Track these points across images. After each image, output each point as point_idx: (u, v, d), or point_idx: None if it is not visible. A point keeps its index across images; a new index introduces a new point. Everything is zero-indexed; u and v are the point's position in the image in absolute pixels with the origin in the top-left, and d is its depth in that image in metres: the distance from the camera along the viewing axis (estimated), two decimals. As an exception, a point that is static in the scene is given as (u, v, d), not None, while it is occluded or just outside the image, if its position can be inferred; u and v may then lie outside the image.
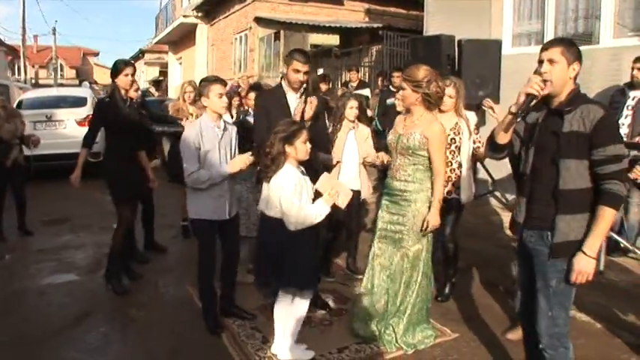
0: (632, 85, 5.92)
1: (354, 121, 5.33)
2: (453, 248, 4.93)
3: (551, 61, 2.79)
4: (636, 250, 5.40)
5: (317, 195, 3.64)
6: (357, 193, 5.15)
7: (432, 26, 9.12)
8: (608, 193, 2.72)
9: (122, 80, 5.10)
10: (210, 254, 4.26)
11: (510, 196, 7.33)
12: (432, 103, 3.91)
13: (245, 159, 4.12)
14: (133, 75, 5.18)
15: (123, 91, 5.13)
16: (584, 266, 2.75)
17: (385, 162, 4.39)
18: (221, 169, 4.11)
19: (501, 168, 7.45)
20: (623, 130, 5.71)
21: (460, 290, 5.08)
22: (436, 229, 4.04)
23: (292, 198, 3.48)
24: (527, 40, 8.15)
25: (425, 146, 3.86)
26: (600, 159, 2.71)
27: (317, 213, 3.54)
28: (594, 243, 2.74)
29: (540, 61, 2.84)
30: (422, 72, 3.84)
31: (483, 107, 5.20)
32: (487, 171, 7.47)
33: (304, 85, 4.46)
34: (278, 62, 17.13)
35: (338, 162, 5.13)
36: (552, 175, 2.80)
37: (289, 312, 3.73)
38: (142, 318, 4.62)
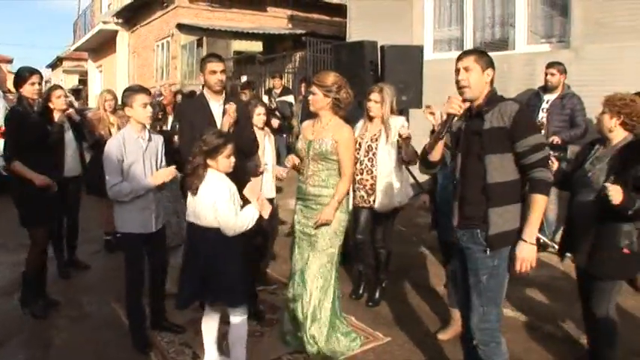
0: (545, 88, 6.18)
1: (263, 128, 5.27)
2: (386, 254, 4.97)
3: (466, 69, 3.04)
4: (555, 245, 5.61)
5: (245, 202, 3.60)
6: (270, 201, 5.13)
7: (355, 32, 9.23)
8: (537, 180, 2.89)
9: (28, 90, 4.74)
10: (138, 269, 4.12)
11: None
12: (341, 108, 3.96)
13: (168, 171, 4.02)
14: (40, 84, 4.85)
15: (30, 101, 4.77)
16: (526, 253, 2.90)
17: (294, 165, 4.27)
18: (144, 181, 3.98)
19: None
20: (540, 132, 5.95)
21: (389, 293, 5.11)
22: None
23: (229, 204, 3.42)
24: (447, 46, 8.38)
25: (336, 151, 3.88)
26: (523, 150, 2.90)
27: (250, 218, 3.50)
28: (532, 230, 2.91)
29: (457, 70, 3.07)
30: (332, 78, 3.90)
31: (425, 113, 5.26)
32: (411, 174, 7.61)
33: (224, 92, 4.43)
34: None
35: (264, 168, 5.07)
36: (480, 172, 2.97)
37: (233, 336, 3.60)
38: (63, 342, 4.36)
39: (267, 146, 5.29)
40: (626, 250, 3.43)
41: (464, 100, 3.05)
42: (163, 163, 4.21)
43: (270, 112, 5.51)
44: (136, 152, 3.99)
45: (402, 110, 7.32)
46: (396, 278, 5.52)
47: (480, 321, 3.02)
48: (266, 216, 3.65)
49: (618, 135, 3.52)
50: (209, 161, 3.47)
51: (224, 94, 4.45)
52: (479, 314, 3.02)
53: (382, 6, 8.75)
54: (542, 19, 7.42)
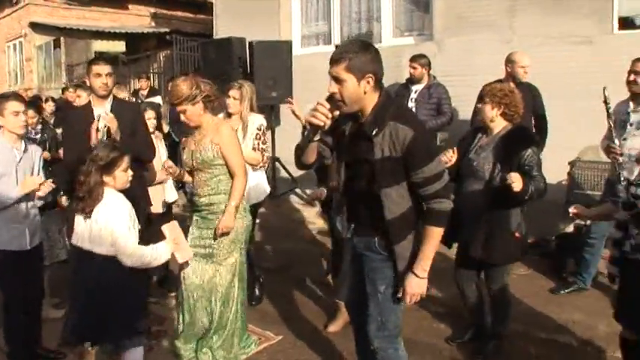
0: (412, 80, 6.36)
1: (153, 132, 4.95)
2: (253, 251, 4.89)
3: (337, 80, 2.55)
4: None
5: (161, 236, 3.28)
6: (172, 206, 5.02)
7: (222, 29, 9.01)
8: (434, 212, 2.65)
9: None
10: (13, 290, 3.70)
11: (309, 191, 7.50)
12: (212, 100, 3.67)
13: (36, 180, 3.60)
14: None
15: None
16: (415, 287, 2.71)
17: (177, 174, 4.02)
18: (11, 192, 3.58)
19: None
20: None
21: (274, 291, 5.02)
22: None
23: (127, 231, 3.07)
24: (315, 41, 8.41)
25: (219, 154, 3.63)
26: (420, 181, 2.61)
27: (159, 256, 3.19)
28: (425, 264, 2.69)
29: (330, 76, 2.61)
30: (184, 85, 3.54)
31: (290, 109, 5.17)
32: (286, 169, 7.57)
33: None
34: (60, 72, 15.84)
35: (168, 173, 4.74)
36: (374, 203, 2.67)
37: None
38: None
39: (161, 151, 4.97)
40: (517, 235, 3.64)
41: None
42: (40, 175, 3.81)
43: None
44: (7, 164, 3.61)
45: (272, 106, 7.27)
46: (280, 275, 5.45)
47: (377, 329, 2.84)
48: (180, 260, 3.41)
49: (499, 124, 3.69)
50: (105, 177, 3.11)
51: (111, 100, 4.13)
52: (377, 323, 2.84)
53: (249, 2, 8.61)
54: (407, 13, 7.66)
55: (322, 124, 2.56)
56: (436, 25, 7.02)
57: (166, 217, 4.66)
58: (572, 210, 3.34)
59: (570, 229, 5.95)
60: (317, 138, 2.70)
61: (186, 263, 3.63)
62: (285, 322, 4.50)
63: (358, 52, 2.54)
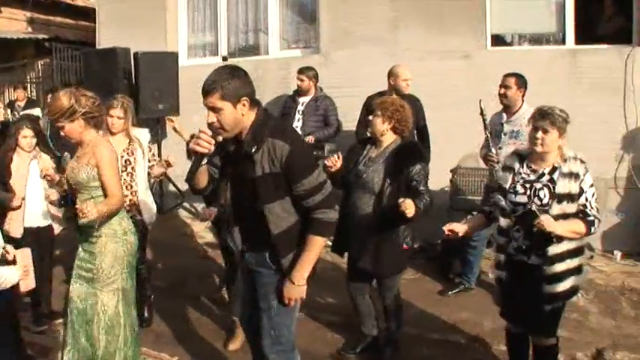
0: (299, 92, 6.45)
1: (30, 152, 4.60)
2: (146, 270, 4.71)
3: (214, 109, 2.60)
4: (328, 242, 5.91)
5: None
6: (47, 230, 4.61)
7: (106, 38, 8.65)
8: (317, 221, 2.72)
9: None
10: None
11: (199, 205, 7.38)
12: (96, 116, 3.41)
13: None
14: None
15: None
16: (293, 294, 2.78)
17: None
18: None
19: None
20: (298, 133, 6.19)
21: (167, 310, 4.87)
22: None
23: None
24: (202, 52, 8.29)
25: (94, 177, 3.36)
26: (302, 193, 2.69)
27: (4, 280, 2.96)
28: (303, 272, 2.75)
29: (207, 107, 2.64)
30: (65, 98, 3.29)
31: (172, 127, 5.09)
32: (173, 183, 7.41)
33: None
34: None
35: (22, 199, 4.41)
36: (260, 219, 2.73)
37: None
38: None
39: (32, 170, 4.50)
40: (405, 247, 3.80)
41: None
42: None
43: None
44: None
45: (158, 119, 7.10)
46: (172, 293, 5.28)
47: (272, 344, 2.87)
48: (22, 289, 3.18)
49: (389, 138, 3.82)
50: None
51: None
52: (271, 337, 2.87)
53: (134, 11, 8.33)
54: (294, 25, 7.75)
55: (207, 150, 2.62)
56: (323, 37, 7.16)
57: (25, 242, 4.17)
58: (446, 229, 3.44)
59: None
60: (204, 162, 2.74)
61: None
62: (180, 343, 4.38)
63: (229, 78, 2.60)
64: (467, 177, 6.16)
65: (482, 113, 4.76)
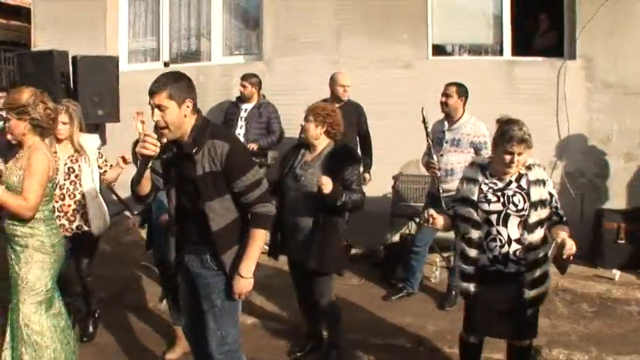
0: (242, 99, 6.43)
1: None
2: (92, 282, 4.55)
3: (160, 108, 2.75)
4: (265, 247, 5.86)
5: None
6: None
7: (42, 40, 8.34)
8: (257, 215, 2.89)
9: None
10: None
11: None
12: (45, 127, 3.33)
13: None
14: None
15: None
16: (242, 286, 2.90)
17: None
18: None
19: (128, 187, 7.32)
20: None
21: (109, 322, 4.72)
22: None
23: None
24: (143, 57, 8.13)
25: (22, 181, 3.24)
26: (241, 190, 2.85)
27: None
28: (249, 265, 2.89)
29: (152, 107, 2.78)
30: (25, 94, 3.25)
31: (135, 120, 4.92)
32: (113, 191, 7.21)
33: None
34: None
35: None
36: (200, 218, 2.85)
37: None
38: None
39: None
40: (345, 242, 3.88)
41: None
42: None
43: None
44: None
45: (97, 125, 6.90)
46: (112, 304, 5.10)
47: (218, 344, 2.95)
48: None
49: (323, 142, 3.90)
50: None
51: None
52: (217, 338, 2.94)
53: (72, 13, 8.05)
54: (237, 32, 7.71)
55: (153, 153, 2.72)
56: (266, 44, 7.15)
57: None
58: (428, 215, 3.36)
59: (396, 238, 6.40)
60: (149, 166, 2.84)
61: None
62: (123, 354, 4.28)
63: (176, 80, 2.79)
64: (409, 184, 6.29)
65: (424, 121, 4.85)
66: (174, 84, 2.77)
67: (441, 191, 4.76)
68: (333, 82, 5.82)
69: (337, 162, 3.82)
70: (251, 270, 2.90)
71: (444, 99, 5.06)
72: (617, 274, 5.76)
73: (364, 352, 4.26)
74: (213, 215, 2.84)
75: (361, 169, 4.53)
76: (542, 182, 3.25)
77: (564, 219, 3.26)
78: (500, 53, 6.63)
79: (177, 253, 3.09)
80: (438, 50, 6.83)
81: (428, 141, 4.93)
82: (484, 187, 3.32)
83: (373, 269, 5.96)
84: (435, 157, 4.90)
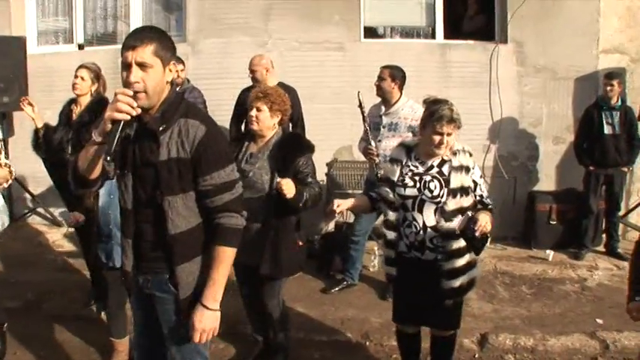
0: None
1: None
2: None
3: (141, 66, 2.12)
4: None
5: None
6: None
7: None
8: (223, 228, 2.26)
9: None
10: None
11: (57, 210, 6.71)
12: None
13: None
14: None
15: None
16: (206, 322, 2.26)
17: None
18: None
19: (40, 181, 6.78)
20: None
21: (25, 334, 4.18)
22: None
23: None
24: (54, 38, 7.48)
25: None
26: (208, 189, 2.24)
27: None
28: (215, 292, 2.25)
29: (127, 65, 2.13)
30: None
31: (22, 106, 4.41)
32: (24, 187, 6.65)
33: None
34: None
35: None
36: (158, 215, 2.25)
37: None
38: None
39: None
40: (300, 243, 3.55)
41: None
42: None
43: None
44: None
45: (4, 113, 6.31)
46: (29, 312, 4.59)
47: None
48: None
49: (272, 131, 3.49)
50: None
51: None
52: None
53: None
54: (158, 12, 7.21)
55: (128, 117, 2.04)
56: (189, 25, 6.72)
57: None
58: (331, 208, 3.22)
59: (331, 227, 6.21)
60: (121, 134, 2.08)
61: None
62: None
63: (163, 35, 2.22)
64: (344, 170, 6.11)
65: (360, 105, 4.65)
66: (163, 38, 2.19)
67: (380, 178, 4.57)
68: (250, 64, 5.50)
69: (287, 152, 3.41)
70: (217, 299, 2.27)
71: (377, 82, 4.88)
72: (550, 254, 5.88)
73: (308, 351, 4.04)
74: (174, 215, 2.23)
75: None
76: (466, 169, 3.10)
77: (490, 207, 3.13)
78: (433, 36, 6.55)
79: (136, 263, 2.41)
80: (370, 32, 6.66)
81: (365, 126, 4.73)
82: (405, 170, 3.20)
83: (309, 260, 5.66)
84: (372, 142, 4.71)
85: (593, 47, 6.28)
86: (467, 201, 3.08)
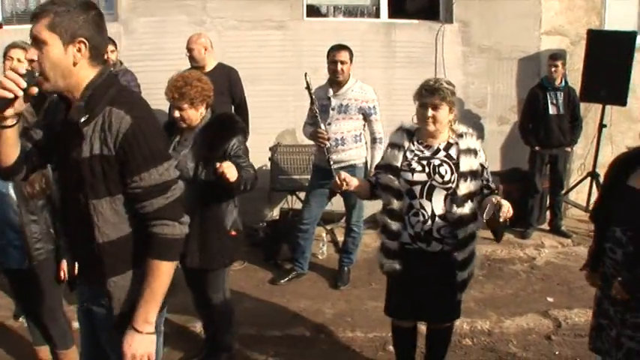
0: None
1: None
2: None
3: (37, 42, 1.82)
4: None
5: None
6: None
7: None
8: (156, 239, 1.92)
9: None
10: None
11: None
12: None
13: None
14: None
15: None
16: (137, 347, 1.93)
17: None
18: None
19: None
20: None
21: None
22: None
23: None
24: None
25: None
26: (138, 193, 1.90)
27: None
28: (147, 313, 1.93)
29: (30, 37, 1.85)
30: None
31: None
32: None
33: None
34: None
35: None
36: (86, 219, 1.92)
37: None
38: None
39: None
40: (233, 232, 3.29)
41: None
42: None
43: None
44: None
45: None
46: None
47: None
48: None
49: (200, 117, 3.21)
50: None
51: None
52: None
53: None
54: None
55: (11, 95, 1.73)
56: (121, 3, 6.27)
57: None
58: (336, 181, 3.03)
59: (276, 214, 6.00)
60: (10, 123, 1.81)
61: None
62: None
63: (70, 9, 1.83)
64: (288, 155, 5.90)
65: (308, 87, 4.43)
66: (67, 12, 1.81)
67: (332, 163, 4.38)
68: (187, 44, 5.18)
69: (214, 136, 3.16)
70: (151, 321, 1.94)
71: (339, 66, 4.60)
72: (498, 234, 5.86)
73: (261, 348, 3.81)
74: (100, 221, 1.91)
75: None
76: (474, 152, 2.96)
77: (496, 191, 3.02)
78: (377, 15, 6.37)
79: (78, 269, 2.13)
80: (313, 11, 6.41)
81: (314, 109, 4.52)
82: (409, 155, 3.00)
83: (255, 250, 5.46)
84: (322, 125, 4.50)
85: (535, 29, 6.28)
86: (475, 185, 2.94)
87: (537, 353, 3.94)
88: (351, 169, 4.46)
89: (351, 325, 4.04)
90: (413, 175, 2.95)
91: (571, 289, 4.78)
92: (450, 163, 2.93)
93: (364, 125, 4.72)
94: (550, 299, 4.64)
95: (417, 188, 2.95)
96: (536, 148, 5.85)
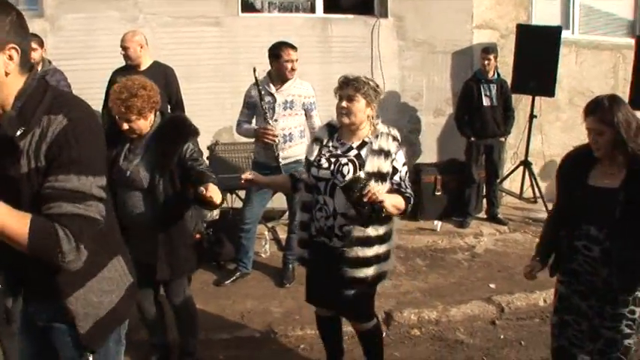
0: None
1: None
2: None
3: None
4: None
5: None
6: None
7: None
8: (49, 224, 1.64)
9: None
10: None
11: None
12: None
13: None
14: None
15: None
16: None
17: None
18: None
19: None
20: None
21: None
22: None
23: None
24: None
25: None
26: (46, 193, 1.65)
27: None
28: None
29: None
30: None
31: None
32: None
33: None
34: None
35: None
36: None
37: None
38: None
39: None
40: (197, 236, 3.25)
41: None
42: None
43: None
44: None
45: None
46: None
47: None
48: None
49: (149, 124, 3.07)
50: None
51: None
52: None
53: None
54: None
55: None
56: (47, -2, 6.00)
57: None
58: (245, 176, 3.16)
59: (216, 214, 5.87)
60: None
61: None
62: None
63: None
64: (228, 153, 5.79)
65: (256, 83, 4.36)
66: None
67: (280, 160, 4.34)
68: (122, 41, 4.98)
69: (165, 142, 3.01)
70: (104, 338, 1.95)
71: (291, 65, 4.50)
72: (438, 224, 6.00)
73: (212, 352, 3.73)
74: None
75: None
76: (386, 153, 2.88)
77: (406, 194, 2.92)
78: (312, 10, 6.35)
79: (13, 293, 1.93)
80: (248, 7, 6.32)
81: (263, 106, 4.43)
82: (324, 151, 3.04)
83: (196, 251, 5.36)
84: (270, 122, 4.43)
85: (467, 23, 6.43)
86: (382, 187, 2.84)
87: (484, 339, 4.04)
88: (297, 164, 4.42)
89: (300, 323, 4.01)
90: (319, 171, 2.98)
91: (511, 275, 4.92)
92: (356, 162, 2.92)
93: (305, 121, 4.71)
94: (492, 285, 4.77)
95: (322, 184, 2.98)
96: (472, 138, 6.00)
